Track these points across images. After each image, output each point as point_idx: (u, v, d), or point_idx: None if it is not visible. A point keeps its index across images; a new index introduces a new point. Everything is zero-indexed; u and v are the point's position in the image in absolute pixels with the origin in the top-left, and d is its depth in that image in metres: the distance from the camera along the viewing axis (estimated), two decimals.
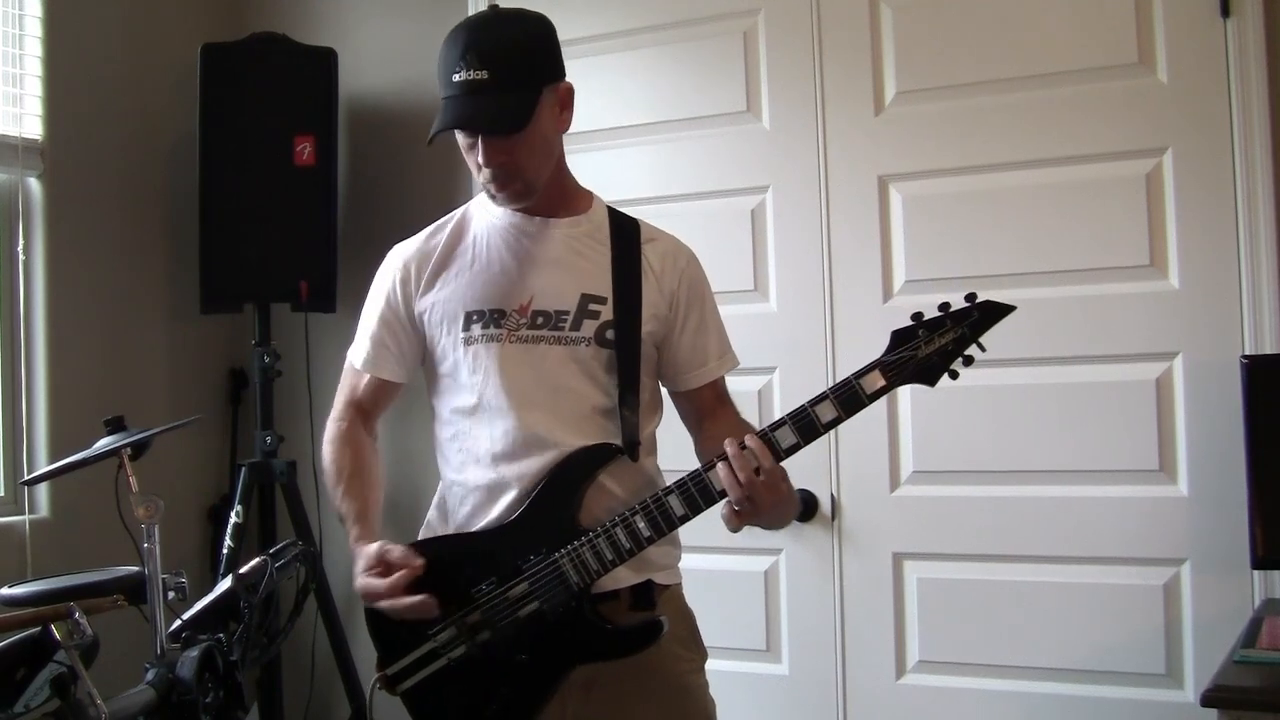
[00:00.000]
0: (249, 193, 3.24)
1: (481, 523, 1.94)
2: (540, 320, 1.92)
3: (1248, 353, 2.51)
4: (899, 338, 1.79)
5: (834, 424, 1.79)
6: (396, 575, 1.81)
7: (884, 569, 2.86)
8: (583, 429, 1.91)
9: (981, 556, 2.78)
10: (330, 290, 3.30)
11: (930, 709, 2.81)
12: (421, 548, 1.91)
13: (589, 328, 1.92)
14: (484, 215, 2.02)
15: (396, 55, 3.50)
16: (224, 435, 3.61)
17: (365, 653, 3.34)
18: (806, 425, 1.79)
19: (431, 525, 2.03)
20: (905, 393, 2.82)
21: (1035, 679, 2.72)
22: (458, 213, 2.07)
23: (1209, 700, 1.88)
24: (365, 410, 2.06)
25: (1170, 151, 2.64)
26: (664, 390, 2.09)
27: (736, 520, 1.78)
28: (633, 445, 1.92)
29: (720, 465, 1.77)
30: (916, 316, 1.79)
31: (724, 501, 1.79)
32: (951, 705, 2.79)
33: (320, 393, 3.48)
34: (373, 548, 1.85)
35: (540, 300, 1.93)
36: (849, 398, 1.78)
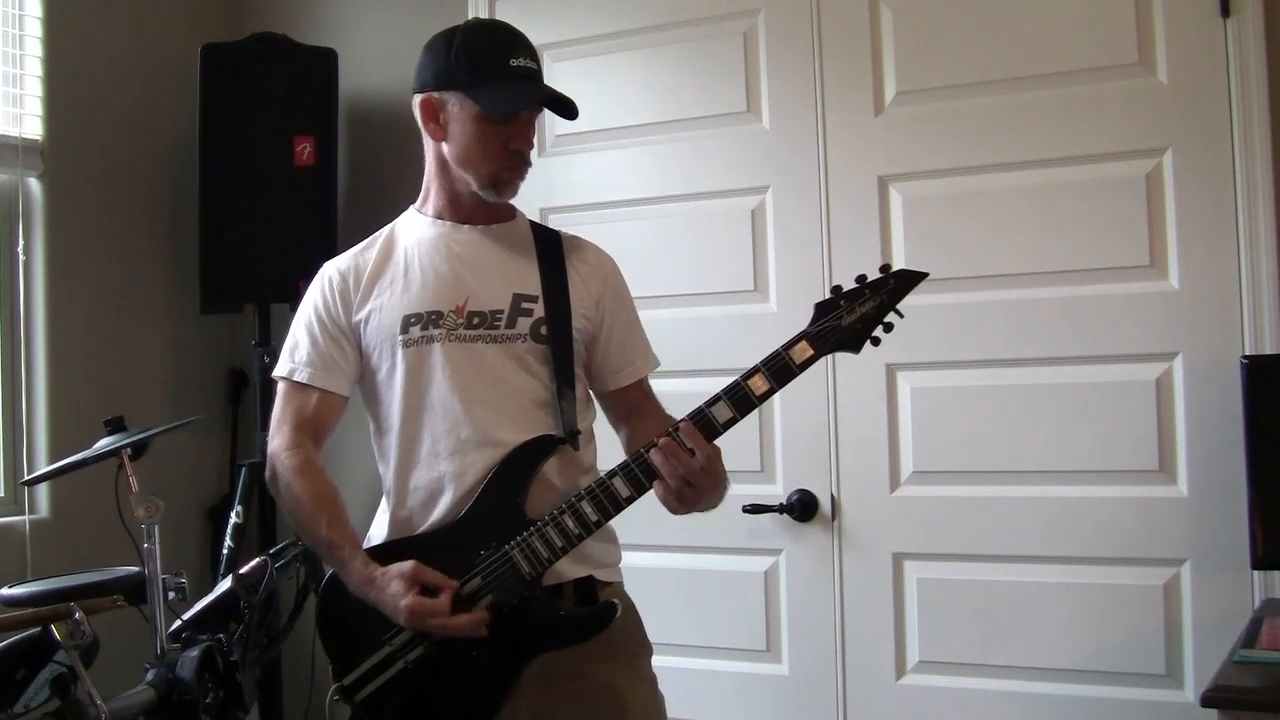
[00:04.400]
0: (249, 193, 3.24)
1: (427, 522, 1.95)
2: (476, 320, 1.97)
3: (1248, 353, 2.51)
4: (822, 309, 1.87)
5: (768, 395, 1.85)
6: (446, 595, 1.82)
7: (884, 569, 2.86)
8: (523, 423, 1.95)
9: (981, 557, 2.78)
10: None
11: (930, 709, 2.81)
12: (375, 553, 1.92)
13: (523, 324, 1.98)
14: (411, 230, 2.08)
15: (396, 56, 3.49)
16: (224, 435, 3.61)
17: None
18: (741, 399, 1.84)
19: (375, 532, 2.03)
20: (905, 393, 2.82)
21: (1035, 679, 2.71)
22: (384, 230, 2.12)
23: (1209, 700, 1.88)
24: (316, 433, 2.01)
25: (1170, 152, 2.63)
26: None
27: (676, 504, 1.83)
28: (573, 433, 1.97)
29: (653, 453, 1.82)
30: (836, 289, 1.88)
31: (661, 485, 1.83)
32: (951, 705, 2.79)
33: None
34: (407, 568, 1.84)
35: (475, 301, 1.98)
36: (780, 369, 1.84)
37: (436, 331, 1.96)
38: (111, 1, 3.31)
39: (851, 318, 1.85)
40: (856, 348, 1.86)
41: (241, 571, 2.22)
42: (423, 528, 1.95)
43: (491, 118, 1.93)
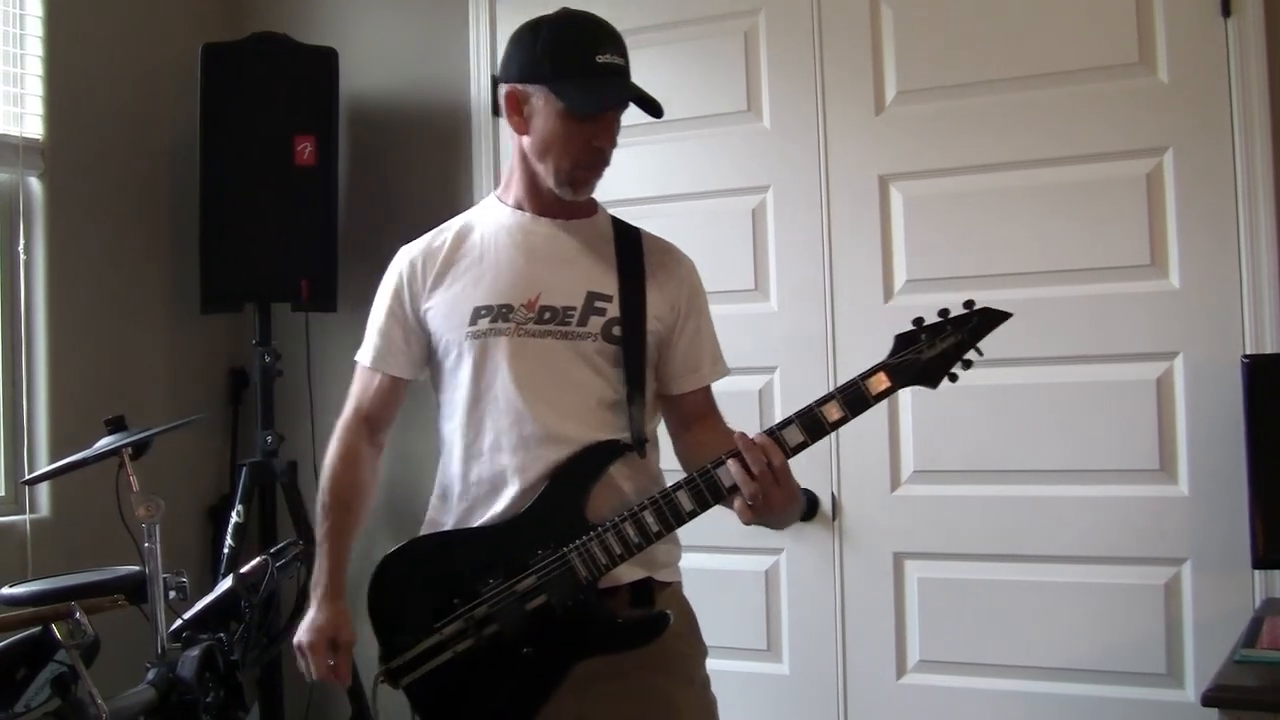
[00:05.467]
0: (250, 192, 3.24)
1: (485, 515, 1.95)
2: (547, 315, 1.94)
3: (1248, 352, 2.50)
4: (902, 341, 1.83)
5: (839, 424, 1.82)
6: (332, 667, 1.97)
7: (885, 568, 2.86)
8: (589, 423, 1.93)
9: (982, 556, 2.78)
10: (331, 290, 3.29)
11: (931, 708, 2.81)
12: (430, 542, 1.94)
13: (595, 323, 1.95)
14: (489, 217, 2.05)
15: (397, 55, 3.50)
16: (225, 435, 3.61)
17: (366, 653, 3.35)
18: (813, 424, 1.81)
19: (434, 519, 2.03)
20: (906, 392, 2.80)
21: (1036, 678, 2.72)
22: (463, 216, 2.10)
23: (1209, 700, 1.88)
24: (374, 421, 2.07)
25: (1171, 151, 2.63)
26: None
27: (749, 514, 1.81)
28: (641, 441, 1.95)
29: (731, 461, 1.79)
30: (918, 321, 1.82)
31: (735, 496, 1.81)
32: (952, 705, 2.79)
33: (321, 392, 3.48)
34: (336, 632, 1.98)
35: (548, 296, 1.95)
36: (854, 398, 1.81)
37: (505, 325, 1.94)
38: (112, 1, 3.31)
39: (931, 353, 1.81)
40: (934, 383, 1.83)
41: (242, 571, 2.22)
42: (484, 520, 1.95)
43: (575, 115, 1.89)
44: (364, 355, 2.08)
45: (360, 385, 2.08)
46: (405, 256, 2.07)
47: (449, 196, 3.37)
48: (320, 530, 2.03)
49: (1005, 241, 2.76)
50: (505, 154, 3.30)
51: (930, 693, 2.81)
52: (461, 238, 2.04)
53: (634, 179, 3.10)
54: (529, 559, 1.87)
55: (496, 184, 3.28)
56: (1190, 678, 2.58)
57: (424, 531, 2.02)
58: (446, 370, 2.01)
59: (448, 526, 2.00)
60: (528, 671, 1.88)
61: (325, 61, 3.32)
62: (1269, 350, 2.51)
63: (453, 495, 2.00)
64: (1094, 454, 2.68)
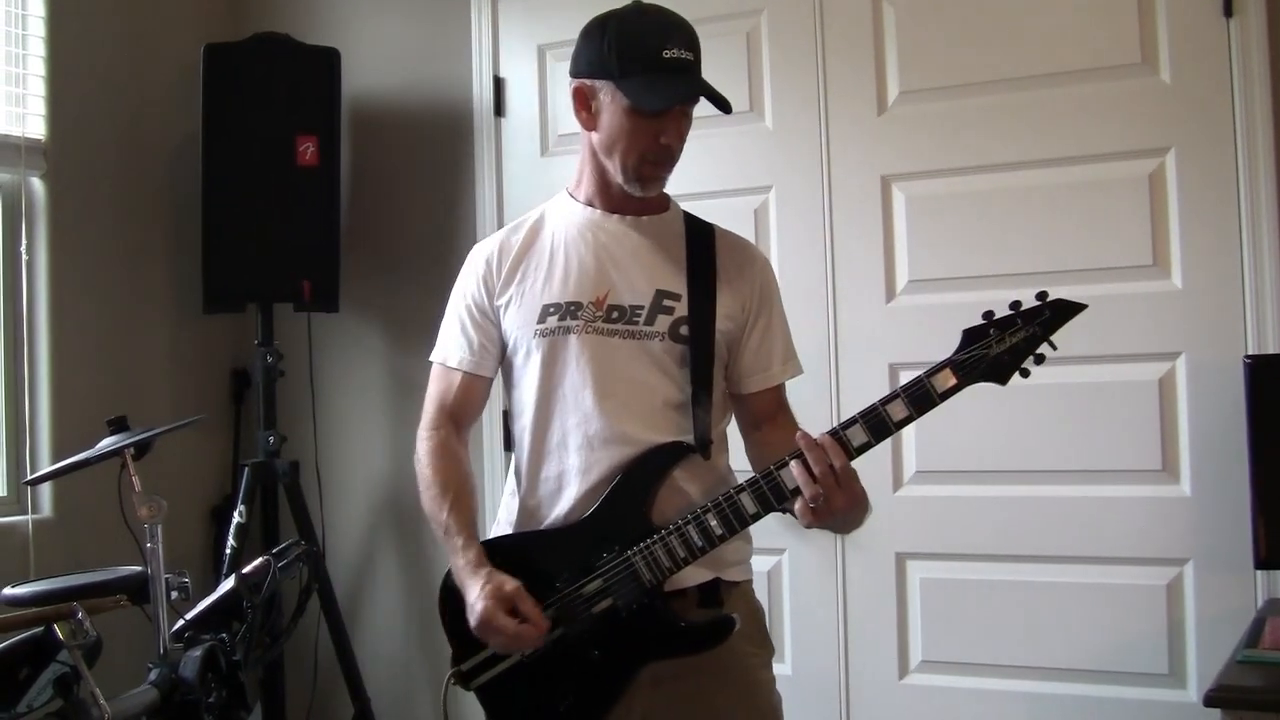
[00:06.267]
0: (252, 193, 3.24)
1: (551, 514, 1.94)
2: (615, 314, 1.93)
3: (1250, 353, 2.50)
4: (970, 336, 1.78)
5: (905, 423, 1.78)
6: (524, 628, 1.80)
7: (887, 569, 2.86)
8: (654, 423, 1.92)
9: (984, 556, 2.78)
10: (333, 290, 3.29)
11: (933, 708, 2.81)
12: (496, 546, 1.92)
13: (663, 323, 1.93)
14: (561, 214, 2.04)
15: (399, 55, 3.50)
16: (227, 435, 3.61)
17: (368, 652, 3.35)
18: (878, 424, 1.77)
19: (504, 516, 2.04)
20: None
21: (1038, 679, 2.72)
22: (535, 212, 2.09)
23: (1212, 700, 1.88)
24: (458, 418, 2.04)
25: (1173, 151, 2.63)
26: None
27: (810, 517, 1.77)
28: (705, 443, 1.93)
29: (793, 462, 1.77)
30: (988, 315, 1.78)
31: (797, 499, 1.77)
32: (954, 705, 2.79)
33: (323, 392, 3.48)
34: (509, 587, 1.83)
35: (616, 295, 1.94)
36: (920, 396, 1.77)
37: (574, 323, 1.93)
38: (114, 2, 3.31)
39: (1001, 348, 1.76)
40: (1004, 379, 1.78)
41: (244, 571, 2.21)
42: (548, 520, 1.94)
43: (641, 112, 1.87)
44: (444, 355, 2.05)
45: (441, 385, 2.04)
46: (480, 253, 2.06)
47: (451, 196, 3.37)
48: (442, 520, 1.94)
49: (1007, 242, 2.76)
50: (507, 153, 3.31)
51: (932, 693, 2.81)
52: (534, 234, 2.04)
53: None
54: (594, 562, 1.87)
55: (498, 183, 3.33)
56: (1192, 678, 2.58)
57: (494, 530, 2.02)
58: (516, 367, 2.01)
59: (515, 524, 2.00)
60: (595, 674, 1.88)
61: (327, 62, 3.32)
62: (1271, 351, 2.51)
63: (521, 492, 2.00)
64: (1096, 454, 2.68)
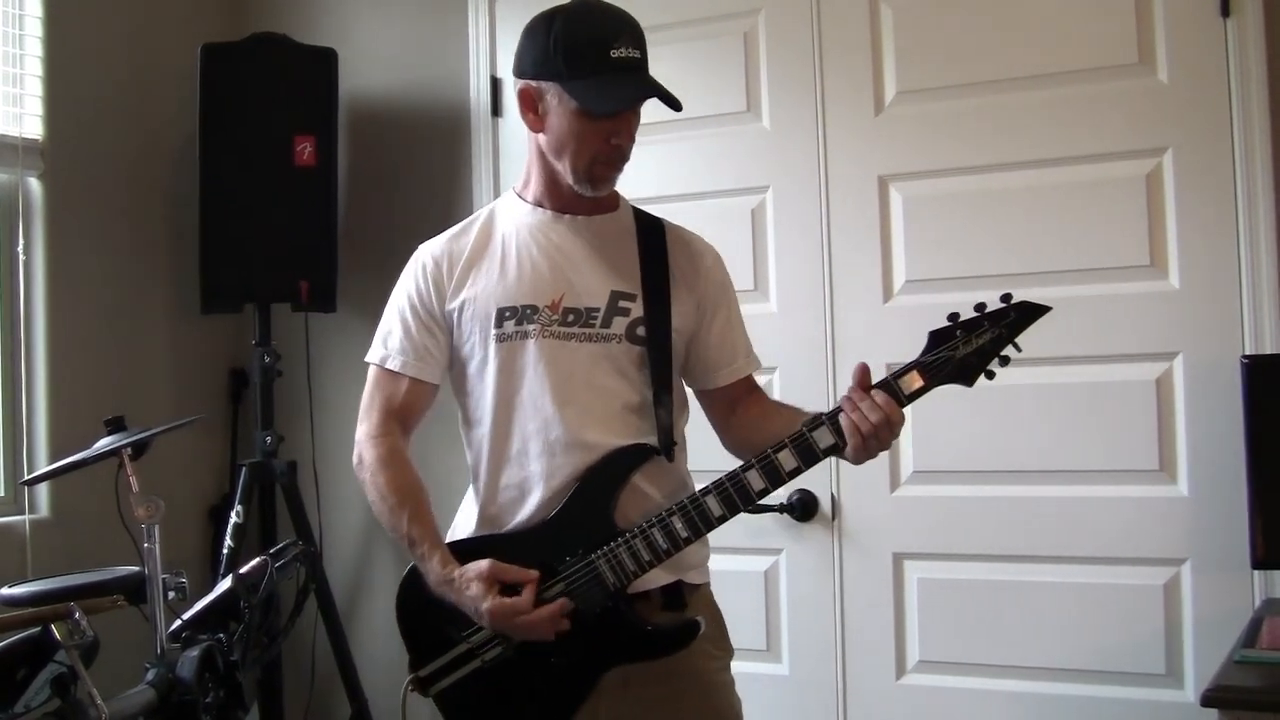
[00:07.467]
0: (249, 193, 3.24)
1: (512, 521, 1.93)
2: (571, 317, 1.91)
3: (1248, 353, 2.51)
4: (936, 338, 1.79)
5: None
6: (529, 591, 1.80)
7: (884, 569, 2.86)
8: (615, 428, 1.91)
9: (982, 556, 2.78)
10: (330, 290, 3.29)
11: (930, 709, 2.81)
12: (459, 549, 1.90)
13: (619, 324, 1.92)
14: (510, 215, 2.01)
15: (397, 55, 3.50)
16: (224, 435, 3.61)
17: (366, 653, 3.35)
18: (840, 432, 1.80)
19: (460, 525, 2.01)
20: None
21: (1035, 679, 2.72)
22: (483, 212, 2.06)
23: (1209, 700, 1.88)
24: (404, 421, 1.99)
25: (1170, 151, 2.64)
26: (688, 390, 2.08)
27: (863, 454, 1.81)
28: (668, 445, 1.92)
29: (842, 416, 1.79)
30: (953, 317, 1.78)
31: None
32: (952, 705, 2.79)
33: (321, 393, 3.48)
34: (484, 567, 1.82)
35: (572, 297, 1.92)
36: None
37: (531, 327, 1.91)
38: (112, 1, 3.31)
39: (967, 349, 1.77)
40: (970, 381, 1.79)
41: (242, 571, 2.21)
42: (509, 526, 1.93)
43: (591, 115, 1.84)
44: (381, 357, 1.99)
45: (386, 389, 1.98)
46: (426, 253, 2.01)
47: (449, 196, 3.37)
48: (404, 531, 1.91)
49: (1004, 242, 2.76)
50: (505, 154, 3.31)
51: (930, 693, 2.81)
52: (485, 236, 2.00)
53: (633, 179, 3.07)
54: (557, 565, 1.85)
55: (496, 184, 3.33)
56: (1190, 678, 2.58)
57: (451, 537, 1.99)
58: (471, 374, 1.97)
59: (474, 532, 1.97)
60: (558, 679, 1.86)
61: (325, 62, 3.32)
62: (1269, 350, 2.51)
63: (480, 500, 1.98)
64: (1094, 454, 2.68)
